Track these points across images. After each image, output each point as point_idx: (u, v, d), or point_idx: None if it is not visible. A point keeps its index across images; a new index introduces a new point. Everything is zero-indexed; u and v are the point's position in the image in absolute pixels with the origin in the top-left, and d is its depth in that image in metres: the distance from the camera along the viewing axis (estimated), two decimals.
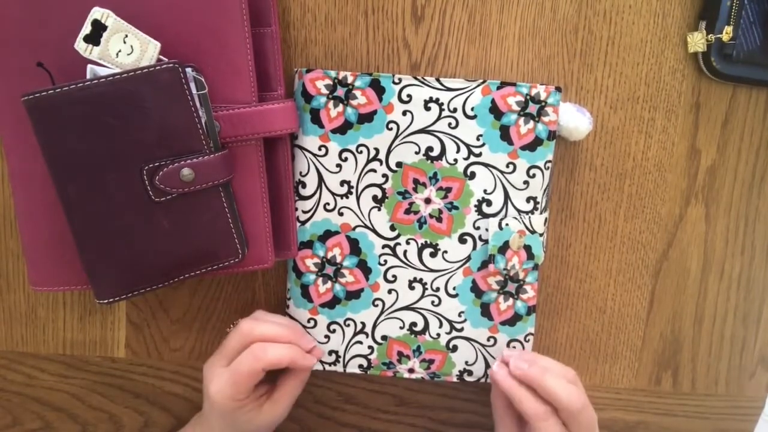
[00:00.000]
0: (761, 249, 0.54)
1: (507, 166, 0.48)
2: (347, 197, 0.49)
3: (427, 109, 0.47)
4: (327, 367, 0.51)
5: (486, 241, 0.49)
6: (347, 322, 0.50)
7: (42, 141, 0.40)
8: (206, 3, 0.42)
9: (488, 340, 0.50)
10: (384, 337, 0.50)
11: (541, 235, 0.49)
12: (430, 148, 0.48)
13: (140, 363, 0.55)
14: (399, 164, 0.48)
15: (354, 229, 0.49)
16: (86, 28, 0.40)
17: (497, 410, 0.49)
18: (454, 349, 0.51)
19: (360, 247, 0.49)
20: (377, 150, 0.48)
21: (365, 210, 0.49)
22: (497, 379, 0.47)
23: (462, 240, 0.49)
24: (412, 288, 0.50)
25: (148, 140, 0.41)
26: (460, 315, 0.50)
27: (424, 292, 0.50)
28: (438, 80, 0.47)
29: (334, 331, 0.50)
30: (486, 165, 0.48)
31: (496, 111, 0.47)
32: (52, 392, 0.55)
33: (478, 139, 0.47)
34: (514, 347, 0.51)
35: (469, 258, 0.49)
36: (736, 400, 0.57)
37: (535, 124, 0.47)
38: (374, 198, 0.49)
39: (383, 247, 0.49)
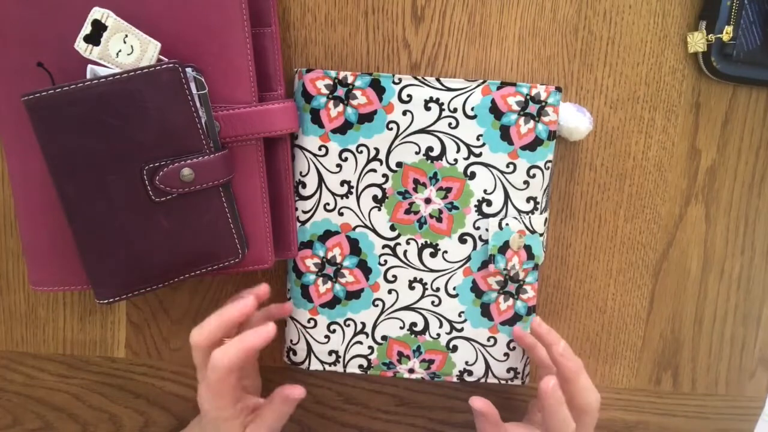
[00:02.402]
0: (761, 249, 0.54)
1: (507, 166, 0.48)
2: (347, 197, 0.49)
3: (428, 109, 0.47)
4: (327, 367, 0.51)
5: (486, 241, 0.49)
6: (347, 322, 0.50)
7: (42, 141, 0.40)
8: (206, 3, 0.42)
9: (488, 340, 0.50)
10: (384, 337, 0.50)
11: (541, 235, 0.49)
12: (430, 148, 0.48)
13: (140, 363, 0.55)
14: (399, 164, 0.48)
15: (354, 229, 0.49)
16: (86, 28, 0.39)
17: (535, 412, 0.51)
18: (454, 349, 0.50)
19: (360, 247, 0.49)
20: (377, 150, 0.48)
21: (365, 210, 0.49)
22: (546, 391, 0.44)
23: (462, 240, 0.49)
24: (412, 288, 0.50)
25: (148, 140, 0.41)
26: (460, 315, 0.50)
27: (424, 292, 0.50)
28: (438, 80, 0.47)
29: (334, 331, 0.50)
30: (486, 165, 0.48)
31: (496, 111, 0.47)
32: (52, 392, 0.55)
33: (478, 139, 0.47)
34: (514, 348, 0.51)
35: (469, 258, 0.49)
36: (736, 400, 0.57)
37: (535, 124, 0.47)
38: (374, 198, 0.49)
39: (383, 247, 0.49)
